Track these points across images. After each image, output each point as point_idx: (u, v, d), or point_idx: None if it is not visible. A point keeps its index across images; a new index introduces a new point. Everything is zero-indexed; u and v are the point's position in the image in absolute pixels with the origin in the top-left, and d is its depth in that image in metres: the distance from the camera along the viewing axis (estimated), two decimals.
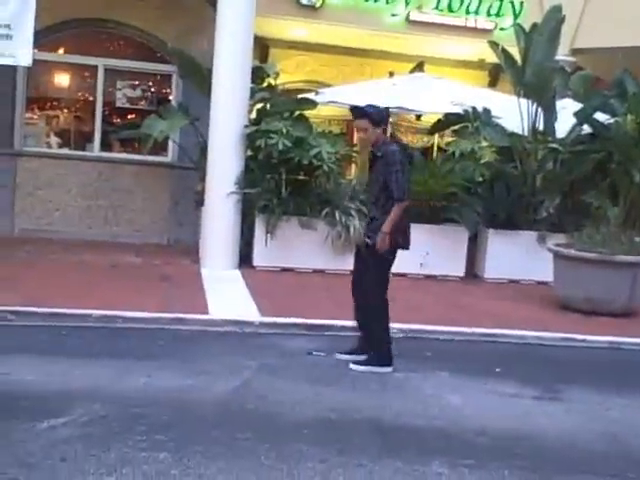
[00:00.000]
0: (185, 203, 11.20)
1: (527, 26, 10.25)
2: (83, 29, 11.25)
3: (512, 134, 10.25)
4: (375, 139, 5.61)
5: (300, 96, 10.06)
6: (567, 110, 10.17)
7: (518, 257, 9.93)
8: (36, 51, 9.21)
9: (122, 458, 3.68)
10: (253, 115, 9.90)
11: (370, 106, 5.69)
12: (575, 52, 12.31)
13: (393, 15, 12.06)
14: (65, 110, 11.73)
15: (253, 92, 9.64)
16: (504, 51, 10.39)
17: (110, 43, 11.57)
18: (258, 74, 9.98)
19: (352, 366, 5.61)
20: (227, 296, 7.92)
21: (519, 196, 10.23)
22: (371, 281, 5.71)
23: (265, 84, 10.25)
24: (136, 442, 3.88)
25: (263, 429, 4.22)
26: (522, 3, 12.22)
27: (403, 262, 9.60)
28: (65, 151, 11.45)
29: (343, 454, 3.93)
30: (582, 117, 10.15)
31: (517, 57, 10.28)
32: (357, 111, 5.73)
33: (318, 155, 9.22)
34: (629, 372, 6.33)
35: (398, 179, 5.41)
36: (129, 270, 8.91)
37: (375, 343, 5.71)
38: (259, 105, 10.04)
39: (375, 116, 5.59)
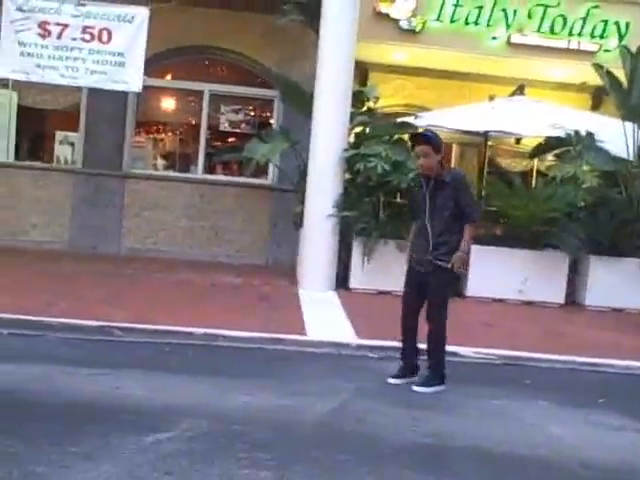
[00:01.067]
0: (284, 225, 11.40)
1: (633, 47, 10.02)
2: (190, 56, 11.66)
3: (617, 158, 9.99)
4: (437, 165, 5.62)
5: (399, 120, 10.11)
6: None
7: (621, 285, 9.65)
8: (145, 77, 9.59)
9: (225, 475, 3.76)
10: (352, 139, 10.00)
11: (431, 132, 5.80)
12: None
13: (494, 38, 11.98)
14: (171, 133, 12.17)
15: (353, 116, 9.74)
16: (609, 73, 10.18)
17: (214, 69, 11.97)
18: (358, 98, 10.08)
19: (418, 389, 5.60)
20: (324, 317, 7.99)
21: (623, 222, 9.95)
22: (440, 303, 5.72)
23: (365, 108, 10.34)
24: (238, 459, 3.97)
25: (362, 451, 4.24)
26: (628, 24, 11.93)
27: (502, 288, 9.65)
28: (170, 173, 11.87)
29: (442, 479, 3.92)
30: None
31: (622, 80, 10.05)
32: (420, 137, 5.77)
33: (416, 179, 9.19)
34: None
35: (474, 201, 5.88)
36: (229, 290, 9.12)
37: (437, 364, 5.70)
38: (358, 129, 10.14)
39: (437, 142, 5.63)
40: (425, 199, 5.67)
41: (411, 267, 5.82)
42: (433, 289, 5.69)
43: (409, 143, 6.13)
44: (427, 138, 5.68)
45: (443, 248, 5.61)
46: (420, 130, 6.05)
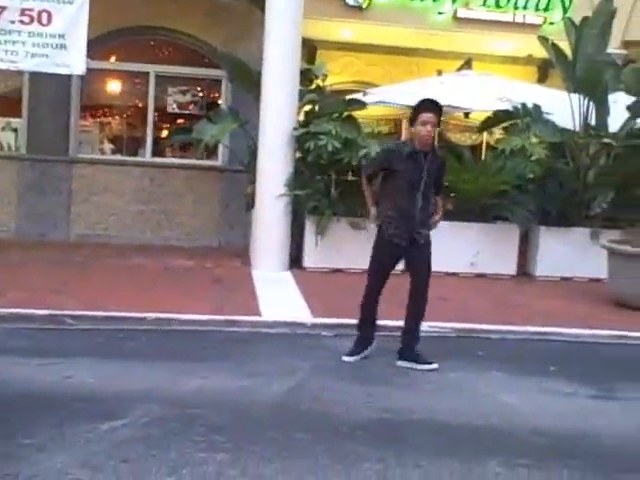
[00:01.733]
0: (236, 206, 11.32)
1: (577, 20, 10.12)
2: (134, 37, 11.44)
3: (563, 130, 10.12)
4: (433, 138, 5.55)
5: (348, 97, 10.08)
6: (619, 104, 10.00)
7: (571, 254, 9.82)
8: (89, 60, 9.40)
9: (181, 459, 3.75)
10: (302, 117, 9.96)
11: (438, 102, 5.56)
12: (627, 44, 12.10)
13: (440, 13, 12.02)
14: (117, 117, 11.96)
15: (301, 94, 9.69)
16: (554, 46, 10.27)
17: (160, 50, 11.77)
18: (306, 76, 10.03)
19: (417, 366, 5.64)
20: (278, 297, 7.98)
21: (571, 192, 10.10)
22: (429, 276, 5.79)
23: (313, 86, 10.30)
24: (195, 443, 3.95)
25: (318, 430, 4.26)
26: None
27: (454, 261, 9.73)
28: (118, 157, 11.68)
29: (400, 455, 3.95)
30: (635, 111, 9.96)
31: (567, 52, 10.16)
32: (434, 105, 5.51)
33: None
34: None
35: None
36: (182, 273, 9.04)
37: (418, 338, 5.79)
38: (308, 107, 10.08)
39: (441, 114, 5.54)
40: (422, 173, 5.51)
41: (390, 242, 5.64)
42: (423, 263, 5.72)
43: (413, 109, 5.63)
44: (440, 107, 5.51)
45: (428, 221, 5.67)
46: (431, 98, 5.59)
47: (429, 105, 5.50)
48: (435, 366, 5.61)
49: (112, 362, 5.50)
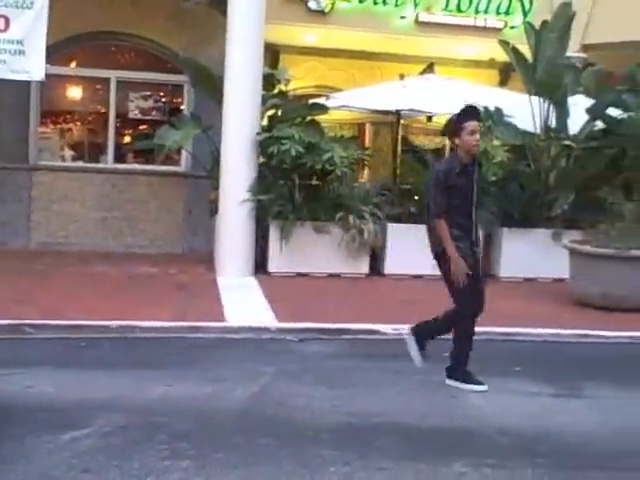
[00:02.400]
0: (199, 212, 11.26)
1: (537, 24, 10.24)
2: (94, 42, 11.34)
3: (525, 132, 10.22)
4: None
5: (311, 101, 10.09)
6: (579, 107, 10.14)
7: (533, 255, 9.91)
8: (49, 66, 9.27)
9: (145, 468, 3.70)
10: (265, 122, 9.94)
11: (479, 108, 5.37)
12: (586, 48, 12.26)
13: (402, 17, 12.07)
14: (78, 123, 11.84)
15: (264, 99, 9.67)
16: (514, 50, 10.37)
17: (122, 55, 11.67)
18: (269, 81, 10.02)
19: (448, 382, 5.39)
20: (243, 303, 7.94)
21: (533, 194, 10.20)
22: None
23: (276, 90, 10.29)
24: (158, 451, 3.90)
25: (283, 435, 4.23)
26: (532, 1, 12.19)
27: (419, 264, 9.72)
28: (79, 164, 11.55)
29: (365, 457, 3.93)
30: (594, 113, 10.11)
31: (528, 55, 10.27)
32: (478, 111, 5.31)
33: (330, 160, 9.24)
34: None
35: None
36: (145, 280, 8.96)
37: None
38: (271, 112, 10.07)
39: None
40: (473, 185, 5.19)
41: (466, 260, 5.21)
42: (483, 275, 5.51)
43: (455, 118, 5.28)
44: (480, 114, 5.33)
45: (479, 233, 5.46)
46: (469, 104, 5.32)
47: (473, 112, 5.25)
48: (483, 388, 5.25)
49: (74, 371, 5.42)
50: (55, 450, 3.89)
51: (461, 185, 5.15)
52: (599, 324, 7.44)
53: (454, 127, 5.24)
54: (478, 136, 5.16)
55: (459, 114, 5.24)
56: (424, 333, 5.50)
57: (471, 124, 5.13)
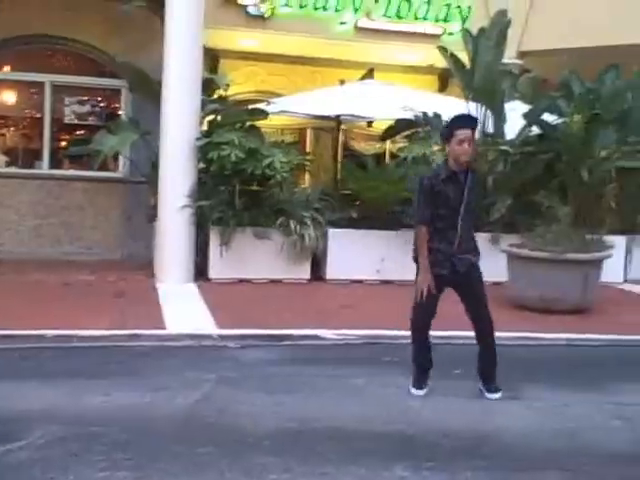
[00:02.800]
0: (138, 218, 11.10)
1: (475, 30, 10.40)
2: (29, 46, 11.11)
3: None
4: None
5: (251, 106, 10.04)
6: (516, 112, 10.32)
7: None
8: None
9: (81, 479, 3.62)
10: (205, 127, 9.86)
11: (474, 116, 5.33)
12: (522, 55, 12.53)
13: (342, 23, 12.14)
14: (12, 128, 11.58)
15: (204, 104, 9.60)
16: (452, 56, 10.52)
17: (57, 59, 11.46)
18: (209, 86, 9.95)
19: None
20: (183, 310, 7.85)
21: None
22: (486, 298, 5.44)
23: (216, 95, 10.23)
24: (95, 462, 3.82)
25: (224, 442, 4.19)
26: (469, 8, 12.39)
27: (360, 269, 9.80)
28: (13, 170, 11.29)
29: (306, 463, 3.92)
30: (531, 118, 10.30)
31: (466, 61, 10.41)
32: (469, 119, 5.15)
33: (271, 165, 9.20)
34: (584, 369, 6.41)
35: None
36: (83, 288, 8.79)
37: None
38: (210, 117, 10.00)
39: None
40: (463, 194, 5.00)
41: (435, 274, 5.18)
42: (478, 287, 5.39)
43: (446, 126, 5.13)
44: (475, 120, 5.17)
45: (471, 245, 5.22)
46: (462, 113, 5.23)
47: (465, 120, 5.07)
48: (418, 393, 5.30)
49: (8, 382, 5.26)
50: None
51: (446, 194, 4.98)
52: (537, 326, 7.56)
53: (445, 134, 5.06)
54: (467, 146, 4.90)
55: (451, 120, 5.07)
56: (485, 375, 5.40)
57: (462, 133, 4.91)
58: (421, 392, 5.29)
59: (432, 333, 7.01)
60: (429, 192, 5.01)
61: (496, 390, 5.29)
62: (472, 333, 7.07)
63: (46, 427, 4.30)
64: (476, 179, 5.14)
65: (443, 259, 5.11)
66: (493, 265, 9.52)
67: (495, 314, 8.11)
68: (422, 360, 5.42)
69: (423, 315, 5.41)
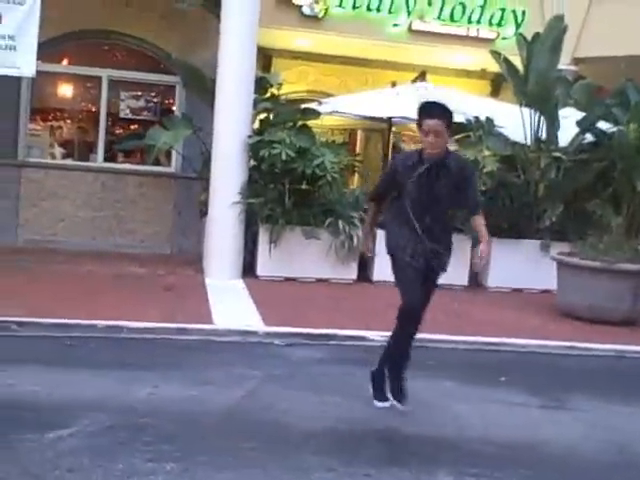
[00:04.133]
0: (189, 213, 11.22)
1: (529, 35, 10.30)
2: (87, 40, 11.29)
3: (515, 143, 10.27)
4: (445, 146, 4.72)
5: (303, 106, 10.09)
6: (569, 119, 10.20)
7: (521, 266, 9.94)
8: (40, 62, 9.24)
9: (129, 469, 3.68)
10: (256, 125, 9.94)
11: (443, 104, 4.71)
12: (577, 61, 12.36)
13: (395, 25, 12.12)
14: (69, 121, 11.79)
15: (256, 102, 9.67)
16: (506, 61, 10.43)
17: (114, 54, 11.63)
18: (261, 84, 10.01)
19: None
20: (231, 306, 7.92)
21: (522, 205, 10.23)
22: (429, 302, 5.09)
23: (268, 94, 10.27)
24: (142, 453, 3.88)
25: (269, 439, 4.22)
26: (524, 12, 12.27)
27: None
28: (69, 162, 11.49)
29: (350, 464, 3.93)
30: (585, 126, 10.17)
31: (519, 66, 10.32)
32: (435, 109, 4.65)
33: (321, 165, 9.24)
34: (633, 380, 6.33)
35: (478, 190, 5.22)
36: (133, 280, 8.93)
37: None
38: (262, 115, 10.07)
39: (451, 117, 4.69)
40: (420, 185, 4.68)
41: (407, 261, 4.89)
42: (430, 285, 5.05)
43: (416, 115, 4.74)
44: (442, 110, 4.64)
45: (444, 244, 4.88)
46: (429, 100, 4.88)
47: (430, 109, 4.67)
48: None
49: (59, 370, 5.39)
50: (39, 449, 3.86)
51: (410, 183, 4.69)
52: (585, 336, 7.47)
53: (417, 123, 4.75)
54: (431, 138, 4.56)
55: (418, 109, 4.73)
56: None
57: (425, 123, 4.60)
58: (387, 404, 4.89)
59: (477, 339, 7.04)
60: (390, 171, 5.02)
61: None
62: (518, 340, 7.08)
63: (94, 415, 4.38)
64: (459, 171, 4.73)
65: (415, 249, 4.82)
66: (542, 273, 9.49)
67: (543, 322, 8.11)
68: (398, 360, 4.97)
69: (411, 297, 4.90)
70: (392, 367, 4.98)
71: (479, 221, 4.86)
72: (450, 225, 5.19)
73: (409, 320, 4.93)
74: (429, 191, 4.71)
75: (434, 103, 4.76)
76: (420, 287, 4.90)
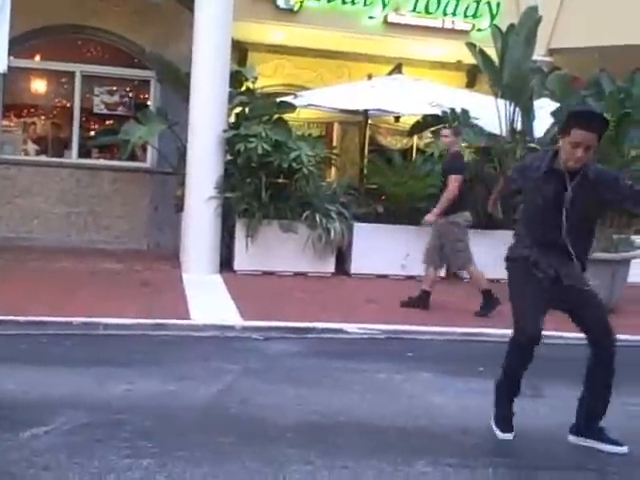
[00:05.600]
0: (165, 208, 11.17)
1: (504, 27, 10.31)
2: (60, 35, 11.22)
3: (491, 134, 10.30)
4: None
5: (279, 100, 10.07)
6: (545, 110, 10.22)
7: (498, 257, 9.89)
8: (12, 58, 9.14)
9: (105, 466, 3.65)
10: (232, 119, 9.90)
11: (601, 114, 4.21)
12: (552, 52, 12.42)
13: (370, 17, 12.11)
14: (42, 117, 11.69)
15: (232, 96, 9.64)
16: (481, 52, 10.45)
17: (87, 49, 11.55)
18: (237, 78, 9.98)
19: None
20: (208, 301, 7.89)
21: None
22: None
23: (244, 88, 10.25)
24: (119, 449, 3.86)
25: (247, 433, 4.22)
26: (499, 4, 12.31)
27: (385, 264, 9.80)
28: (43, 158, 11.40)
29: (328, 456, 3.93)
30: (560, 116, 10.17)
31: (494, 58, 10.34)
32: (599, 120, 4.06)
33: (297, 158, 9.23)
34: None
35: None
36: (109, 276, 8.88)
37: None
38: (238, 109, 10.04)
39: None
40: (563, 201, 4.10)
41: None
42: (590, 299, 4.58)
43: (566, 118, 4.14)
44: (605, 122, 4.09)
45: (582, 259, 4.36)
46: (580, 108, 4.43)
47: (588, 120, 4.01)
48: (624, 449, 4.25)
49: (35, 368, 5.34)
50: (15, 447, 3.83)
51: (538, 191, 4.26)
52: (562, 325, 7.45)
53: (562, 126, 4.17)
54: (580, 153, 3.98)
55: (571, 114, 4.15)
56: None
57: (577, 134, 3.96)
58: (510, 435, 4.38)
59: (454, 330, 7.07)
60: (515, 179, 4.77)
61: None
62: (496, 330, 7.11)
63: (71, 413, 4.35)
64: (596, 181, 4.16)
65: (545, 266, 4.42)
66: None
67: None
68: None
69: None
70: None
71: None
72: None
73: None
74: (567, 203, 4.18)
75: (593, 112, 4.25)
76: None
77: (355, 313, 7.58)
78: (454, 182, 7.81)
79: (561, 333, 7.15)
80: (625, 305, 8.55)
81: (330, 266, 9.80)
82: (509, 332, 7.05)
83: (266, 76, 11.78)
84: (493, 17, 12.24)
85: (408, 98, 10.75)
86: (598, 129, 3.98)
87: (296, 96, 10.58)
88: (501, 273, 10.12)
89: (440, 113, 10.32)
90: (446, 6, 12.30)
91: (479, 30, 12.28)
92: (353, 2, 11.99)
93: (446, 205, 7.83)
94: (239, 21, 10.03)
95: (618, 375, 4.37)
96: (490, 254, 9.92)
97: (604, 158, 9.93)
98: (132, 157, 11.14)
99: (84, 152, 11.49)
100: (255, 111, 9.79)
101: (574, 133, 3.96)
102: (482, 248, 10.01)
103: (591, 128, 3.95)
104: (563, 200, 4.10)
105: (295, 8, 11.81)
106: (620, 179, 4.25)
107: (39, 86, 11.67)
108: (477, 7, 12.37)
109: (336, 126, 14.07)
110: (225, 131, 9.32)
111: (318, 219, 9.39)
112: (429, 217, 7.94)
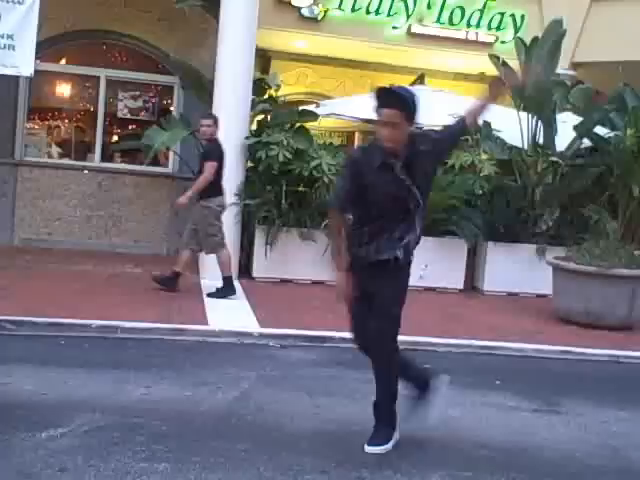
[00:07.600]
0: (185, 214, 11.18)
1: (528, 40, 10.30)
2: (85, 40, 11.30)
3: (512, 147, 10.28)
4: (403, 139, 4.02)
5: (301, 108, 10.09)
6: (567, 124, 10.20)
7: (517, 270, 9.94)
8: (38, 62, 9.25)
9: (121, 469, 3.67)
10: (254, 126, 9.93)
11: (404, 89, 4.13)
12: (575, 66, 12.38)
13: (394, 28, 12.11)
14: (66, 120, 11.78)
15: (254, 103, 9.68)
16: (505, 64, 10.42)
17: (112, 54, 11.62)
18: (259, 85, 10.02)
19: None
20: (226, 307, 7.90)
21: (519, 209, 10.24)
22: (396, 311, 4.52)
23: (266, 96, 10.29)
24: (135, 453, 3.88)
25: (262, 440, 4.22)
26: (523, 17, 12.28)
27: None
28: (66, 161, 11.48)
29: (342, 466, 3.93)
30: (582, 131, 10.17)
31: (518, 70, 10.32)
32: (387, 95, 3.97)
33: (318, 167, 9.24)
34: (628, 385, 6.33)
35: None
36: (128, 280, 8.91)
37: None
38: (260, 116, 10.08)
39: (413, 107, 3.97)
40: (399, 186, 4.12)
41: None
42: (387, 291, 4.68)
43: (373, 102, 4.00)
44: (397, 97, 3.96)
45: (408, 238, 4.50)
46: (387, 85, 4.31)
47: (384, 96, 3.98)
48: None
49: (53, 369, 5.38)
50: (32, 448, 3.85)
51: (377, 184, 4.12)
52: (581, 341, 7.47)
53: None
54: (387, 131, 3.96)
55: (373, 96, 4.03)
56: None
57: (381, 112, 3.98)
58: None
59: (472, 342, 7.04)
60: (352, 175, 4.23)
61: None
62: (514, 344, 7.08)
63: (87, 415, 4.38)
64: (422, 147, 4.11)
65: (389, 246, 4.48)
66: (538, 277, 9.50)
67: (539, 326, 8.11)
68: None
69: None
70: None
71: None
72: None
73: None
74: (408, 184, 4.25)
75: (388, 89, 4.08)
76: None
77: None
78: (210, 168, 8.03)
79: (581, 349, 7.14)
80: None
81: None
82: (527, 346, 7.09)
83: (289, 84, 11.82)
84: (517, 29, 12.21)
85: (430, 109, 10.69)
86: (397, 105, 3.93)
87: (318, 105, 10.60)
88: (521, 287, 10.15)
89: None
90: (470, 18, 12.29)
91: (503, 42, 12.26)
92: (377, 12, 12.00)
93: (199, 189, 8.05)
94: (263, 29, 10.07)
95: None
96: (510, 267, 9.93)
97: (626, 173, 9.92)
98: (154, 162, 11.19)
99: (107, 156, 11.56)
100: (277, 119, 9.83)
101: (378, 113, 4.00)
102: (502, 262, 9.98)
103: (389, 104, 3.93)
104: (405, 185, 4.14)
105: (319, 17, 11.84)
106: (432, 135, 4.28)
107: (64, 90, 11.76)
108: (501, 19, 12.35)
109: (357, 135, 14.08)
110: (247, 138, 9.36)
111: None
112: (181, 200, 8.25)
